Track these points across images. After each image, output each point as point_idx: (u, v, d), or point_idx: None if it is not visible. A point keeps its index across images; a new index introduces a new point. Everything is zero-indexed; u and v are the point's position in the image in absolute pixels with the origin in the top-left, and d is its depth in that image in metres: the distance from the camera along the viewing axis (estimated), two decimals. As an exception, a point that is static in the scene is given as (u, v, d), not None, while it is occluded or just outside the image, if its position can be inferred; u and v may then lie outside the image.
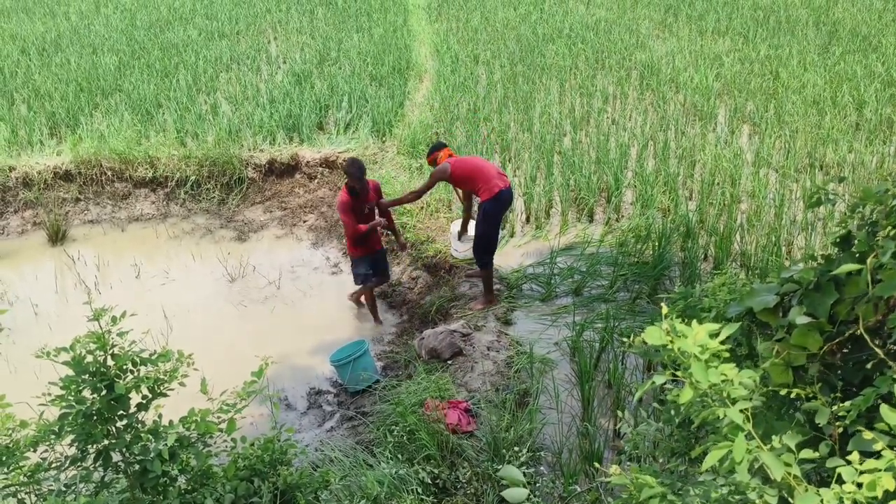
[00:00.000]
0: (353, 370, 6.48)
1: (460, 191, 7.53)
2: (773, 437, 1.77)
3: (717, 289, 2.68)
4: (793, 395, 1.93)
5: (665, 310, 1.81)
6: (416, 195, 7.40)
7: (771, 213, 8.24)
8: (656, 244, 7.54)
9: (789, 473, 1.71)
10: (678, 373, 1.80)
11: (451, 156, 7.12)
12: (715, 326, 1.80)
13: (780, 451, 1.74)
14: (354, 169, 6.99)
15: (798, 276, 2.44)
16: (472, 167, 6.98)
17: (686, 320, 1.90)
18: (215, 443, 3.25)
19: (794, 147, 9.82)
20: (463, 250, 7.81)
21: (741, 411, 1.72)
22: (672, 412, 2.26)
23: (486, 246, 7.00)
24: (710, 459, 1.71)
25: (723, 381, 1.73)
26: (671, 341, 1.75)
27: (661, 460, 2.70)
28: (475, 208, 7.44)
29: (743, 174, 9.13)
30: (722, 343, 1.78)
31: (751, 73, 12.79)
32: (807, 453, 1.80)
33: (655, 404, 2.72)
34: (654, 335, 1.78)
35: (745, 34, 15.32)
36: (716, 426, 1.95)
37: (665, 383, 1.86)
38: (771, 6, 17.84)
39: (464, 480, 4.80)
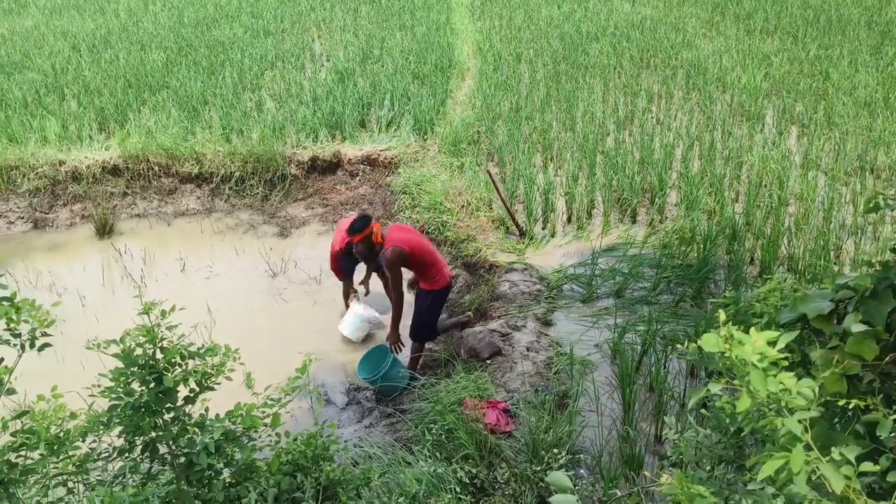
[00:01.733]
0: (382, 381, 6.47)
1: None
2: (832, 448, 1.73)
3: (768, 294, 2.62)
4: (851, 406, 1.88)
5: (723, 316, 1.78)
6: (398, 303, 6.51)
7: (819, 217, 8.07)
8: (701, 246, 7.42)
9: (849, 486, 1.67)
10: (735, 381, 1.76)
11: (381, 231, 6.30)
12: (774, 334, 1.76)
13: (839, 463, 1.70)
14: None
15: (854, 283, 2.38)
16: (427, 249, 6.35)
17: (738, 326, 1.86)
18: (259, 437, 3.28)
19: (844, 149, 9.60)
20: (357, 333, 7.33)
21: (799, 421, 1.68)
22: (727, 420, 2.22)
23: (427, 332, 6.78)
24: (767, 470, 1.67)
25: (781, 391, 1.69)
26: (729, 348, 1.72)
27: (707, 468, 2.65)
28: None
29: (791, 176, 8.95)
30: (780, 351, 1.74)
31: (800, 74, 12.54)
32: (867, 466, 1.75)
33: (702, 410, 2.67)
34: (710, 342, 1.75)
35: (795, 33, 15.02)
36: (767, 434, 1.91)
37: (715, 391, 1.82)
38: (821, 5, 17.46)
39: (502, 481, 4.78)
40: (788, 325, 2.53)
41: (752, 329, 1.74)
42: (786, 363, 1.75)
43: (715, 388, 1.81)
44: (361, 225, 6.24)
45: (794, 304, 2.50)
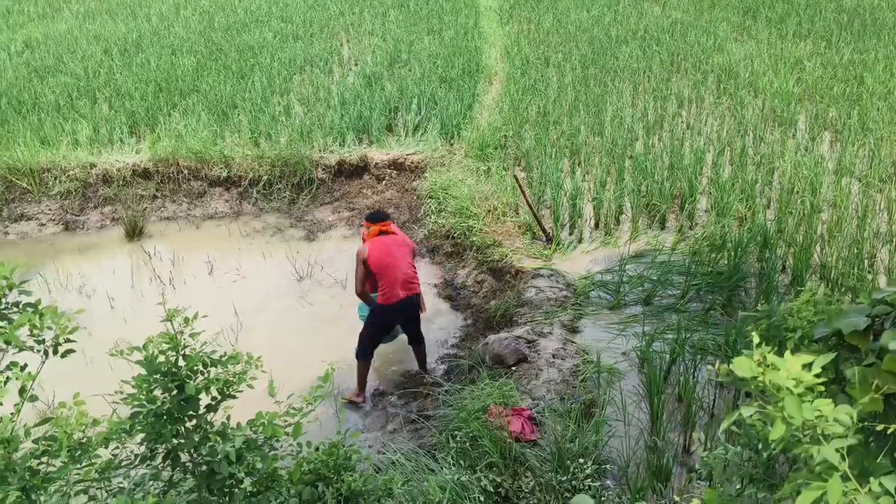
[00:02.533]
0: None
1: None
2: (871, 479, 1.65)
3: (801, 307, 2.54)
4: (889, 432, 1.81)
5: (756, 338, 1.71)
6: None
7: (853, 224, 7.90)
8: (731, 254, 7.30)
9: (888, 518, 1.60)
10: (769, 408, 1.70)
11: (384, 232, 6.55)
12: (809, 358, 1.69)
13: (878, 493, 1.62)
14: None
15: (891, 298, 2.30)
16: (384, 263, 6.42)
17: (771, 342, 1.80)
18: (281, 446, 3.27)
19: (878, 155, 9.40)
20: None
21: (837, 450, 1.61)
22: (760, 444, 2.15)
23: (364, 346, 6.66)
24: (803, 501, 1.60)
25: (817, 417, 1.62)
26: (762, 373, 1.65)
27: (737, 485, 2.58)
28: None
29: (824, 183, 8.79)
30: (816, 375, 1.67)
31: (833, 78, 12.32)
32: (908, 497, 1.67)
33: (734, 428, 2.60)
34: (743, 366, 1.68)
35: (828, 37, 14.77)
36: (797, 453, 1.84)
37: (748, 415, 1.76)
38: (855, 8, 17.16)
39: (526, 490, 4.73)
40: (822, 341, 2.45)
41: (787, 353, 1.67)
42: (822, 389, 1.68)
43: (747, 412, 1.74)
44: (372, 216, 6.74)
45: (829, 319, 2.41)
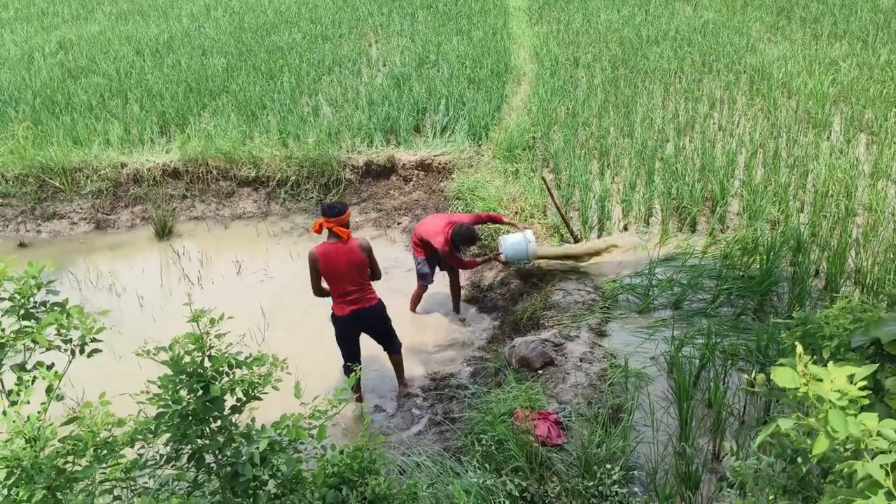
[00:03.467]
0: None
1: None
2: (917, 496, 1.59)
3: (838, 314, 2.46)
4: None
5: (800, 348, 1.65)
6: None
7: (889, 229, 7.72)
8: (764, 258, 7.15)
9: (933, 537, 1.53)
10: (811, 420, 1.63)
11: (334, 234, 5.96)
12: (853, 369, 1.62)
13: (924, 512, 1.56)
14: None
15: (933, 306, 2.22)
16: (329, 272, 6.02)
17: (810, 353, 1.74)
18: (305, 449, 3.25)
19: (916, 158, 9.19)
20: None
21: (881, 466, 1.54)
22: (800, 459, 2.08)
23: (343, 356, 6.40)
24: (845, 518, 1.54)
25: (862, 432, 1.55)
26: (805, 384, 1.59)
27: (770, 497, 2.50)
28: None
29: (859, 186, 8.60)
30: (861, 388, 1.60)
31: (870, 80, 12.06)
32: (954, 515, 1.60)
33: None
34: (786, 377, 1.62)
35: (864, 38, 14.48)
36: (839, 469, 1.78)
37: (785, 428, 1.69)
38: (893, 9, 16.81)
39: (552, 495, 4.67)
40: (860, 349, 2.37)
41: (831, 364, 1.61)
42: (866, 401, 1.62)
43: (786, 424, 1.68)
44: (330, 211, 5.95)
45: (867, 328, 2.34)
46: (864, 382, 1.63)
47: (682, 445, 5.07)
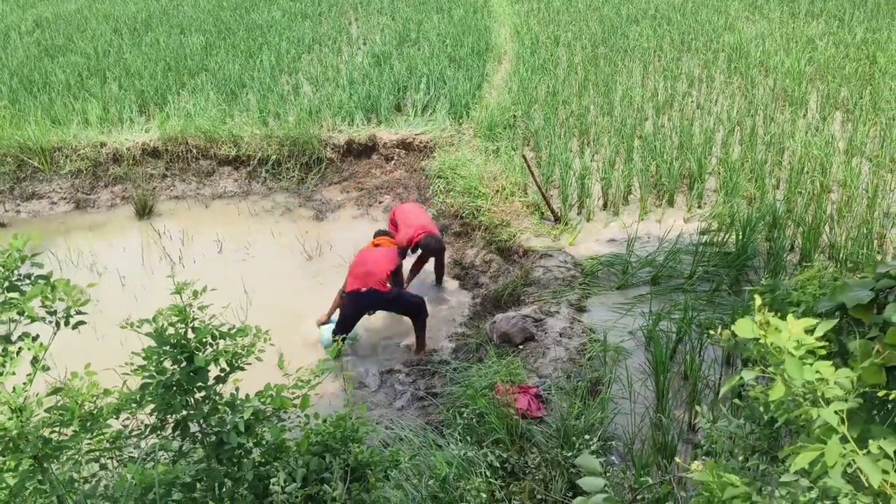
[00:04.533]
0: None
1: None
2: (870, 441, 1.67)
3: (806, 282, 2.54)
4: (891, 398, 1.82)
5: (758, 300, 1.72)
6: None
7: (863, 205, 7.86)
8: (740, 233, 7.27)
9: (886, 481, 1.61)
10: (769, 369, 1.71)
11: (377, 245, 7.36)
12: (811, 321, 1.70)
13: (876, 456, 1.64)
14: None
15: (895, 272, 2.30)
16: (355, 262, 7.17)
17: (775, 314, 1.81)
18: (289, 418, 3.31)
19: (890, 135, 9.33)
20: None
21: (836, 412, 1.62)
22: (761, 408, 2.16)
23: (342, 328, 6.92)
24: (800, 462, 1.61)
25: (818, 380, 1.63)
26: (764, 335, 1.66)
27: (739, 458, 2.59)
28: None
29: (834, 163, 8.73)
30: (818, 340, 1.68)
31: (845, 58, 12.20)
32: (907, 460, 1.69)
33: (735, 400, 2.61)
34: (745, 328, 1.69)
35: (841, 17, 14.61)
36: (802, 426, 1.85)
37: (748, 380, 1.77)
38: (870, -13, 16.94)
39: (532, 466, 4.76)
40: (827, 315, 2.46)
41: (790, 316, 1.68)
42: (823, 352, 1.69)
43: (748, 375, 1.75)
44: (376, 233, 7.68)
45: (833, 293, 2.42)
46: (821, 334, 1.71)
47: (659, 416, 5.18)
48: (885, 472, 1.62)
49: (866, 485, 1.63)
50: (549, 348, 6.17)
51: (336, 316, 7.17)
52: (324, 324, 7.25)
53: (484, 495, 4.26)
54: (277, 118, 11.12)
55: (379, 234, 7.69)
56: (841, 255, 7.06)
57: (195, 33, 15.04)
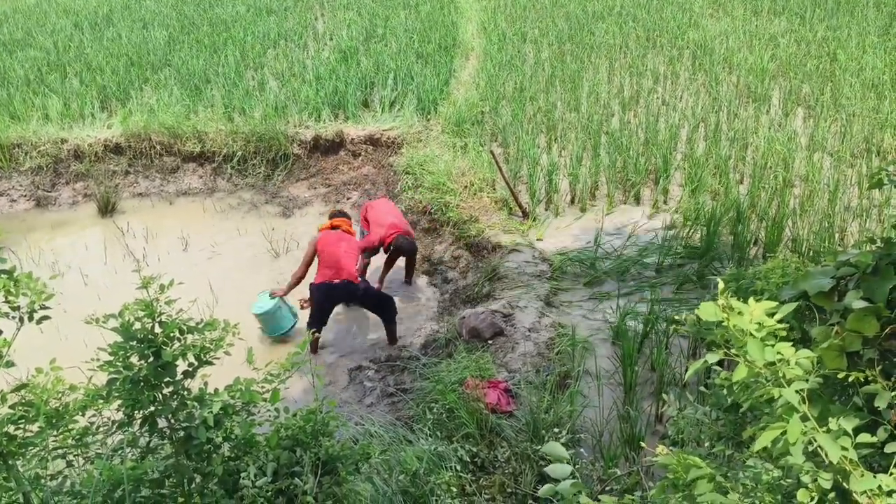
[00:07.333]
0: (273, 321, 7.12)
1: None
2: (830, 419, 1.71)
3: (769, 272, 2.60)
4: (850, 379, 1.87)
5: (721, 285, 1.76)
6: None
7: (825, 199, 8.02)
8: (705, 228, 7.39)
9: (845, 457, 1.66)
10: (732, 351, 1.75)
11: (335, 227, 7.25)
12: (773, 304, 1.74)
13: (836, 433, 1.68)
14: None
15: (855, 260, 2.36)
16: (324, 251, 7.03)
17: (738, 300, 1.85)
18: (259, 412, 3.29)
19: (850, 131, 9.53)
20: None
21: (797, 392, 1.66)
22: (724, 391, 2.21)
23: (315, 321, 6.92)
24: (763, 440, 1.66)
25: (779, 361, 1.67)
26: (727, 318, 1.70)
27: (706, 444, 2.64)
28: None
29: (796, 158, 8.90)
30: (779, 322, 1.72)
31: (807, 55, 12.43)
32: (865, 437, 1.74)
33: (701, 388, 2.66)
34: (709, 311, 1.73)
35: (802, 14, 14.88)
36: (766, 410, 1.90)
37: (714, 367, 1.81)
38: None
39: (502, 459, 4.79)
40: (790, 303, 2.51)
41: (751, 299, 1.72)
42: (784, 334, 1.73)
43: (713, 358, 1.79)
44: (334, 214, 7.54)
45: (795, 282, 2.48)
46: (782, 317, 1.75)
47: (626, 409, 5.24)
48: (843, 448, 1.67)
49: (826, 461, 1.68)
50: (518, 343, 6.21)
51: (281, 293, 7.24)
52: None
53: (454, 489, 4.28)
54: (243, 114, 11.02)
55: (336, 215, 7.56)
56: (803, 249, 7.20)
57: (158, 28, 14.84)
